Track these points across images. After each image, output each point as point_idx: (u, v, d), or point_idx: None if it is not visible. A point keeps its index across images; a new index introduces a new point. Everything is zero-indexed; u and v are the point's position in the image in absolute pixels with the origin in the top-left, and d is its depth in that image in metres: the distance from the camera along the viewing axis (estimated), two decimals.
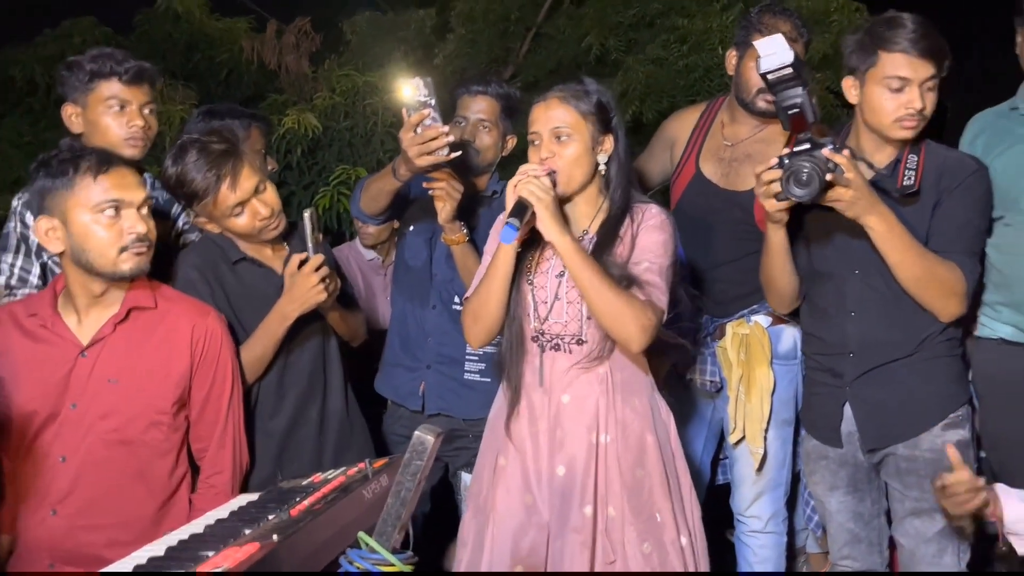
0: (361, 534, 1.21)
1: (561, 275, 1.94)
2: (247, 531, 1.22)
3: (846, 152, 1.88)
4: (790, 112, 1.89)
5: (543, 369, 1.94)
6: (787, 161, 1.87)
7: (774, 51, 1.85)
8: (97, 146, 1.82)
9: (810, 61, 5.66)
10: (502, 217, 1.88)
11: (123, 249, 1.77)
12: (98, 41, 4.93)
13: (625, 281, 1.85)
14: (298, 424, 2.14)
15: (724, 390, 2.46)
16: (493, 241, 2.02)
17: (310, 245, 2.02)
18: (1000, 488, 1.87)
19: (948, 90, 2.06)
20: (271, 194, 2.07)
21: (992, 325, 2.19)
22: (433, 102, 2.06)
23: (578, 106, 1.91)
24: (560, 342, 1.94)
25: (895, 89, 1.96)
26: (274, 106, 4.59)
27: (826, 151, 1.86)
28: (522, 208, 1.79)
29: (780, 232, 2.03)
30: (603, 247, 1.90)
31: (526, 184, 1.81)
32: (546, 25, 5.95)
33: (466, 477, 2.46)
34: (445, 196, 2.20)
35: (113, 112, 2.16)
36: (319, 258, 2.00)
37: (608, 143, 1.94)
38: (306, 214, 2.01)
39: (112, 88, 2.16)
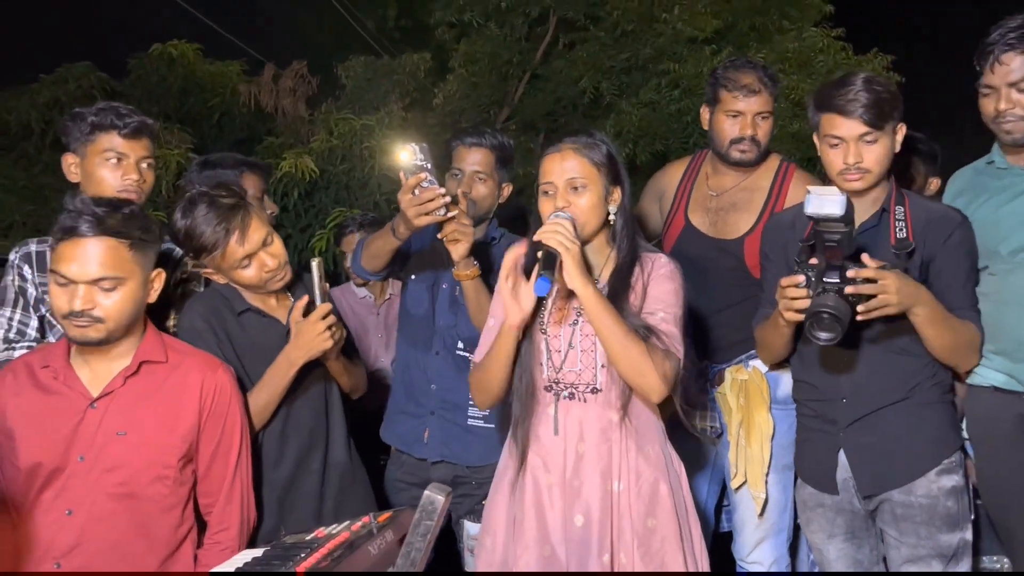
0: None
1: (574, 324, 1.95)
2: None
3: (869, 263, 1.88)
4: (827, 244, 1.89)
5: (557, 418, 1.94)
6: (812, 287, 1.90)
7: (820, 207, 1.83)
8: (92, 205, 1.81)
9: (799, 102, 5.78)
10: (509, 264, 1.89)
11: (66, 316, 1.77)
12: (93, 86, 4.97)
13: (643, 331, 1.87)
14: (300, 474, 2.13)
15: (725, 435, 2.46)
16: (497, 303, 2.03)
17: (317, 293, 2.04)
18: None
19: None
20: (278, 246, 2.09)
21: (984, 373, 2.20)
22: (429, 165, 2.13)
23: (591, 157, 1.93)
24: (575, 391, 1.94)
25: (833, 145, 2.05)
26: (270, 149, 4.63)
27: (851, 272, 1.86)
28: (552, 259, 1.79)
29: (791, 327, 2.05)
30: (617, 297, 1.91)
31: (554, 234, 1.81)
32: (542, 68, 6.05)
33: (470, 526, 2.44)
34: (458, 236, 2.22)
35: (110, 164, 2.18)
36: (327, 306, 2.03)
37: (617, 194, 1.96)
38: (314, 263, 2.05)
39: (112, 141, 2.18)
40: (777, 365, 2.40)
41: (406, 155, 2.13)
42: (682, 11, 5.58)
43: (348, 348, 2.25)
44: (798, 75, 5.50)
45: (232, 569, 1.32)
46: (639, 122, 5.29)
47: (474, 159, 2.46)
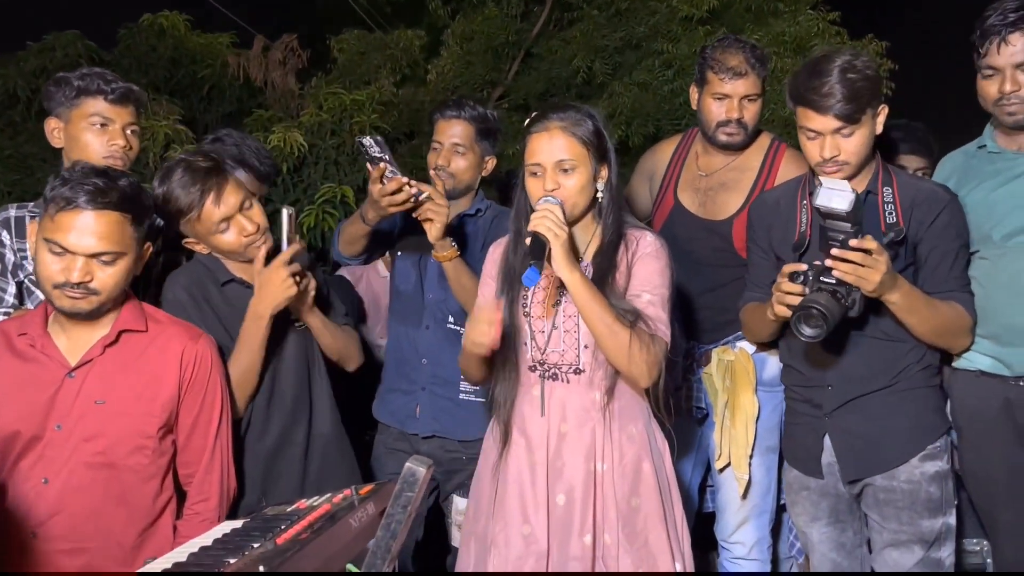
0: (349, 565, 1.19)
1: (557, 305, 1.94)
2: (231, 560, 1.20)
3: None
4: (830, 241, 1.88)
5: (543, 398, 1.93)
6: (808, 282, 1.90)
7: (828, 201, 1.83)
8: (93, 176, 1.78)
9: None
10: (500, 248, 1.94)
11: (58, 286, 1.75)
12: (81, 55, 4.90)
13: (631, 316, 1.86)
14: (283, 445, 2.12)
15: (710, 416, 2.46)
16: (486, 285, 2.05)
17: (284, 239, 2.01)
18: None
19: None
20: (257, 211, 2.09)
21: (971, 357, 2.21)
22: (387, 156, 2.17)
23: (579, 135, 1.90)
24: (558, 371, 1.94)
25: (810, 138, 2.04)
26: (259, 122, 4.57)
27: (853, 241, 1.85)
28: (541, 246, 1.79)
29: (779, 320, 2.03)
30: (603, 278, 1.90)
31: (542, 220, 1.80)
32: (536, 47, 6.00)
33: (459, 501, 2.45)
34: (432, 216, 2.21)
35: (95, 129, 2.17)
36: (288, 252, 2.00)
37: (605, 172, 1.95)
38: (285, 211, 2.02)
39: (97, 106, 2.17)
40: (764, 347, 2.40)
41: (364, 149, 2.17)
42: None
43: (328, 308, 2.23)
44: (792, 59, 5.48)
45: (210, 542, 1.32)
46: (632, 103, 5.25)
47: (453, 131, 2.45)
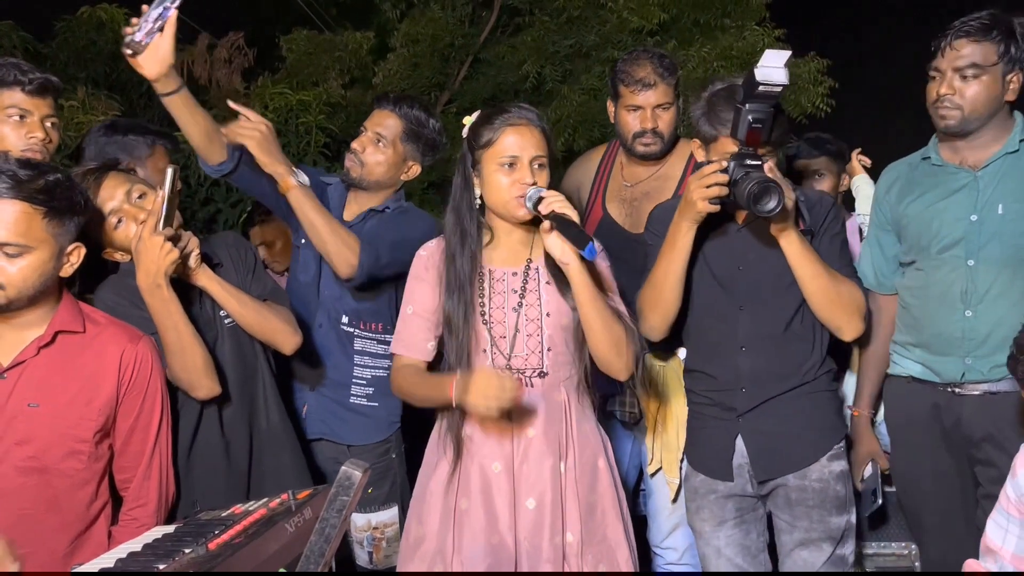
0: (282, 570, 1.17)
1: (517, 308, 1.93)
2: (161, 566, 1.18)
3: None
4: (753, 124, 1.89)
5: None
6: (740, 171, 1.89)
7: (777, 65, 1.84)
8: (15, 166, 1.71)
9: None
10: (432, 250, 1.91)
11: None
12: (16, 46, 4.76)
13: (614, 310, 1.88)
14: (227, 446, 2.07)
15: (643, 421, 2.49)
16: (415, 290, 2.00)
17: (163, 204, 1.87)
18: None
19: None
20: (151, 198, 1.96)
21: (903, 363, 2.28)
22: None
23: (546, 134, 1.93)
24: (522, 376, 1.92)
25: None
26: None
27: (767, 167, 1.90)
28: (570, 223, 1.76)
29: (692, 232, 2.00)
30: (561, 278, 1.89)
31: (558, 200, 1.79)
32: (485, 52, 6.02)
33: (357, 517, 2.36)
34: (247, 137, 2.15)
35: (13, 121, 2.10)
36: (152, 218, 1.86)
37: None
38: (169, 169, 1.90)
39: (14, 97, 2.10)
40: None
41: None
42: (628, 0, 5.63)
43: (250, 286, 2.11)
44: (739, 72, 5.57)
45: (140, 546, 1.29)
46: (578, 108, 5.31)
47: (379, 121, 2.40)
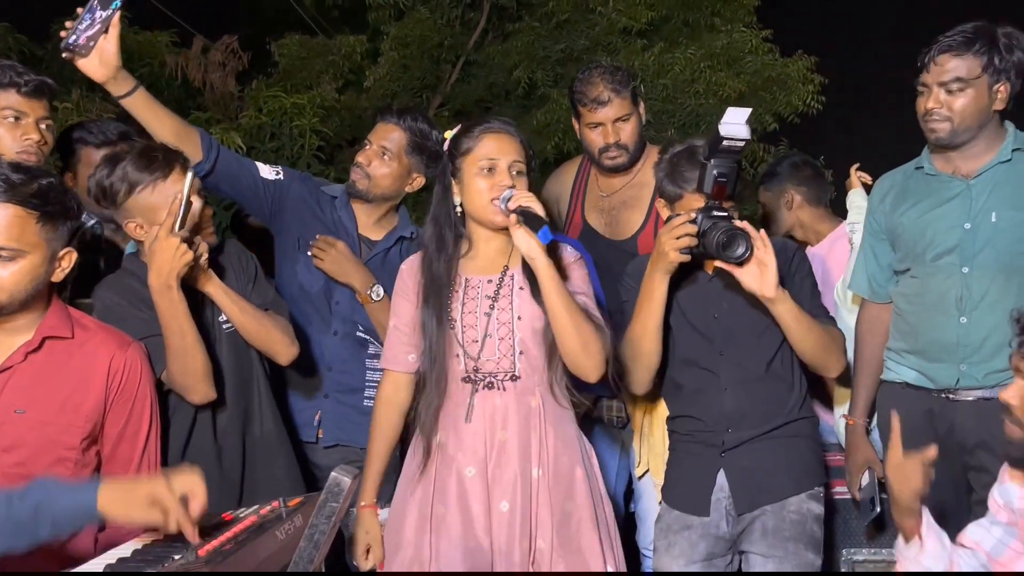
0: None
1: (489, 313, 1.94)
2: (150, 572, 1.17)
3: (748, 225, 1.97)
4: (719, 179, 1.97)
5: (473, 409, 1.92)
6: (708, 222, 1.95)
7: (739, 122, 1.95)
8: (7, 169, 1.70)
9: (726, 99, 5.92)
10: (413, 264, 1.93)
11: None
12: (12, 48, 4.75)
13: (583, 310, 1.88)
14: (220, 453, 2.06)
15: (630, 424, 2.49)
16: (400, 302, 2.03)
17: (182, 204, 1.89)
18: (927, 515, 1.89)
19: None
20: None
21: (898, 370, 2.28)
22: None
23: (524, 143, 1.97)
24: (494, 380, 1.93)
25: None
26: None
27: (739, 223, 1.95)
28: (534, 216, 1.80)
29: (665, 282, 2.05)
30: (535, 282, 1.89)
31: (523, 198, 1.83)
32: (476, 54, 6.02)
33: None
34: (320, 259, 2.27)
35: (7, 123, 2.10)
36: (169, 219, 1.88)
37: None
38: (188, 175, 1.93)
39: (10, 99, 2.09)
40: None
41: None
42: (617, 1, 5.64)
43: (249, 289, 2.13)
44: (725, 72, 5.62)
45: (128, 552, 1.28)
46: (568, 112, 5.33)
47: (384, 134, 2.41)
